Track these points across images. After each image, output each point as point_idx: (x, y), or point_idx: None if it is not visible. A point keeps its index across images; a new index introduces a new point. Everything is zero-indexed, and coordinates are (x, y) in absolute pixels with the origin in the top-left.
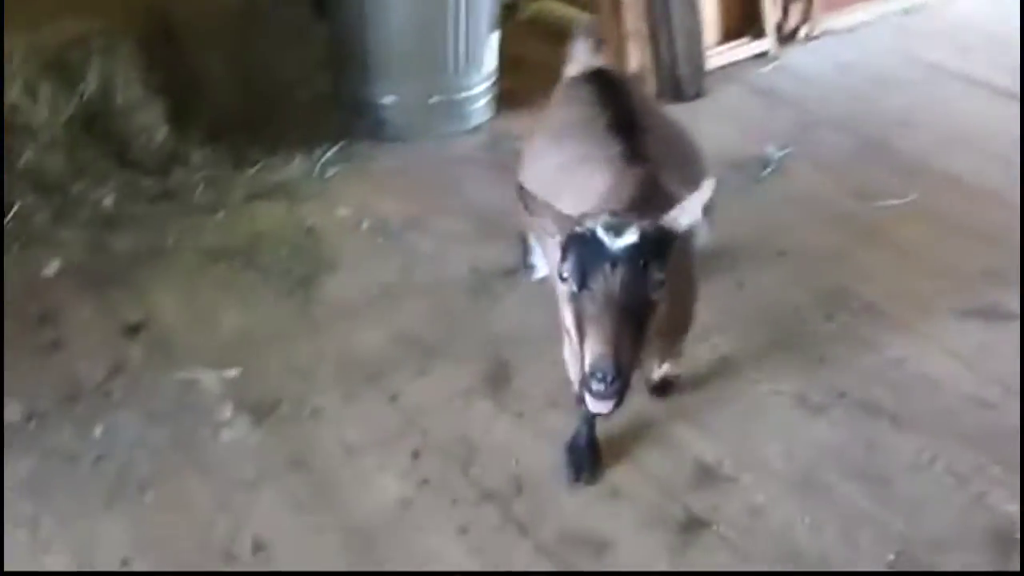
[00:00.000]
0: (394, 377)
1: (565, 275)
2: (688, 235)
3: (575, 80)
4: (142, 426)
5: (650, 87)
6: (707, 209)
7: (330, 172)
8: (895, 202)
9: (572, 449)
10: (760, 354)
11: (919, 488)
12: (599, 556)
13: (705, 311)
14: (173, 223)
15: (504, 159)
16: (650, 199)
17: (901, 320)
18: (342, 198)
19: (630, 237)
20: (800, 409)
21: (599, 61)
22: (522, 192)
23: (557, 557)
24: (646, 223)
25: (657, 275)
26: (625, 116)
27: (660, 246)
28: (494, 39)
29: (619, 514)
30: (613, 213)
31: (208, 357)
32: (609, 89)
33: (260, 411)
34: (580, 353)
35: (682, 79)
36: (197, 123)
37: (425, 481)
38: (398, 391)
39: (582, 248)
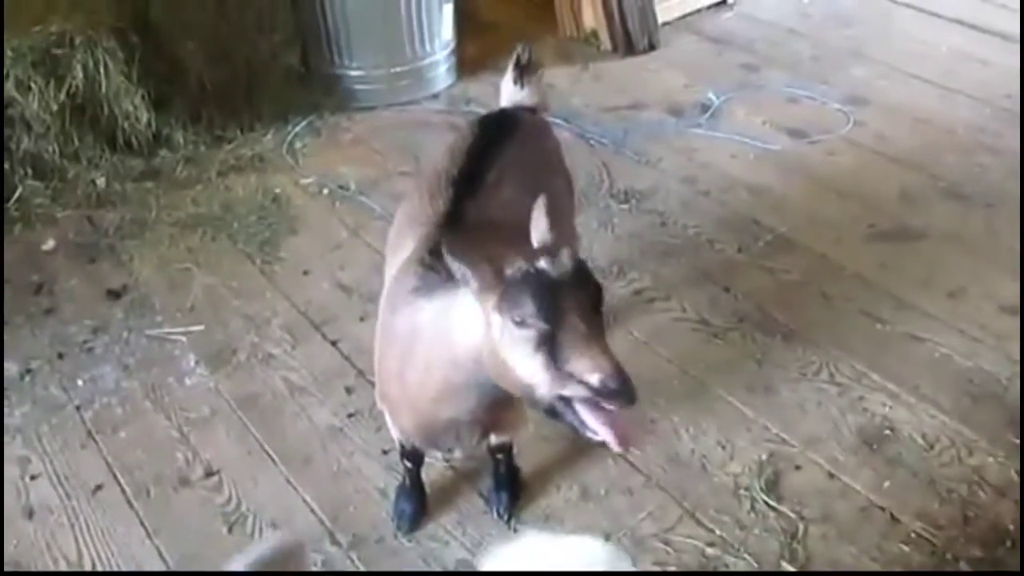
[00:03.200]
0: (337, 324)
1: (526, 319)
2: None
3: (470, 123)
4: (118, 377)
5: (605, 43)
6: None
7: (299, 144)
8: (826, 137)
9: (397, 497)
10: (671, 285)
11: (800, 395)
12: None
13: (626, 248)
14: (156, 198)
15: (455, 121)
16: (438, 267)
17: (809, 247)
18: (308, 167)
19: (568, 258)
20: (700, 332)
21: (520, 96)
22: (449, 245)
23: (458, 468)
24: (563, 252)
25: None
26: (474, 171)
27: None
28: (448, 10)
29: None
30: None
31: (178, 315)
32: (488, 135)
33: (219, 360)
34: (570, 385)
35: (632, 33)
36: (177, 106)
37: (355, 412)
38: (340, 336)
39: (535, 286)
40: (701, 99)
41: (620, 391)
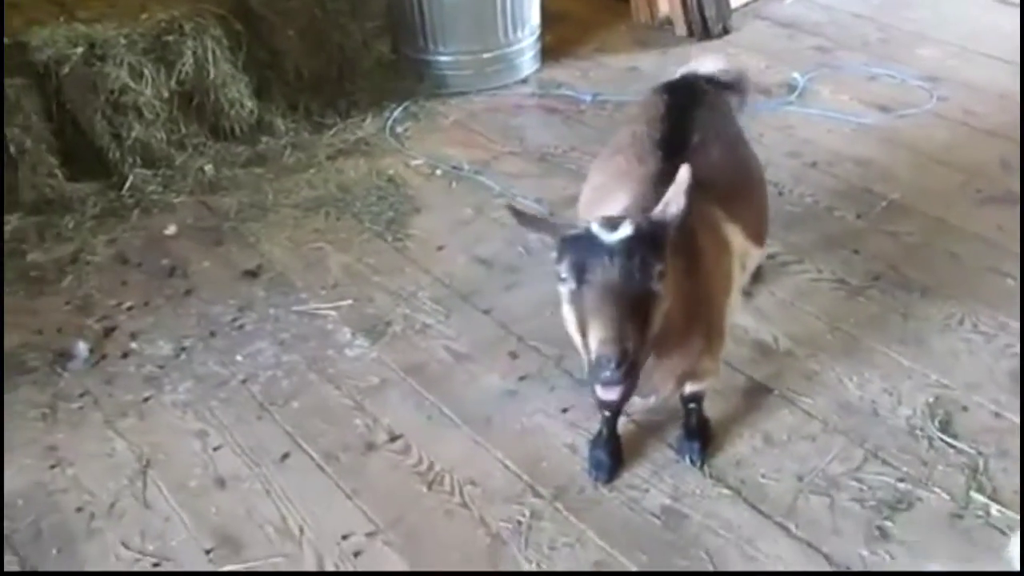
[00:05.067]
0: (484, 295)
1: (564, 275)
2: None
3: (656, 88)
4: (276, 352)
5: (679, 29)
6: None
7: (400, 128)
8: (913, 111)
9: (592, 449)
10: (801, 250)
11: (950, 344)
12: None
13: None
14: (268, 183)
15: (550, 104)
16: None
17: (924, 212)
18: (414, 149)
19: (625, 230)
20: (841, 291)
21: (710, 63)
22: (514, 211)
23: (642, 423)
24: (639, 218)
25: (657, 265)
26: (677, 134)
27: (655, 238)
28: None
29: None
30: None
31: (321, 292)
32: (679, 102)
33: (375, 332)
34: (585, 349)
35: (708, 19)
36: (276, 93)
37: (525, 376)
38: (490, 305)
39: (578, 246)
40: (785, 79)
41: (604, 368)
